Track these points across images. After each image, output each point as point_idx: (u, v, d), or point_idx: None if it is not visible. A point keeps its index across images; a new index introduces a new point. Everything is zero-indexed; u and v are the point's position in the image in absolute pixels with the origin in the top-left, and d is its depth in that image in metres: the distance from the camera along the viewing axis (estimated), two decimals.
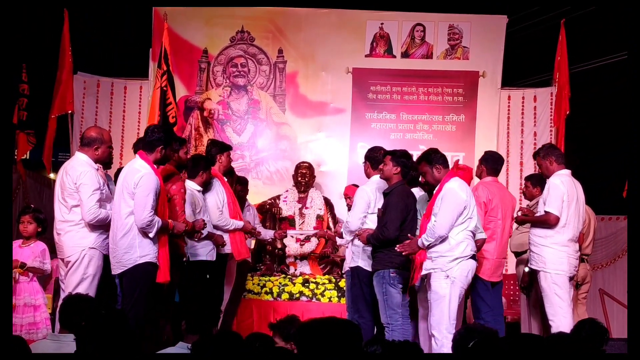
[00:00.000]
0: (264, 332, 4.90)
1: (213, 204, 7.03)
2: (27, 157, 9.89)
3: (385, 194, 6.41)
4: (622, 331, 9.60)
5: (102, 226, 5.90)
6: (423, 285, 6.12)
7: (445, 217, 5.85)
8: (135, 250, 5.71)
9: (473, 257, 5.93)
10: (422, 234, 5.96)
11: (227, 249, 7.10)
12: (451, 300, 5.83)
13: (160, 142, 5.92)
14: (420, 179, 6.55)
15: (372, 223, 6.59)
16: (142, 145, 6.00)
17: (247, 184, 8.16)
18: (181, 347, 4.43)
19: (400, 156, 6.39)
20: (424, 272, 5.97)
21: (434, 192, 6.05)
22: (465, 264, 5.87)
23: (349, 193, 8.16)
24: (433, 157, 6.12)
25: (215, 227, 7.00)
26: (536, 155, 6.75)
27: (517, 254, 7.46)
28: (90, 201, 5.79)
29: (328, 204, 9.13)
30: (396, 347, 3.68)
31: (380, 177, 6.45)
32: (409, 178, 6.47)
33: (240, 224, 7.21)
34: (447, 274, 5.84)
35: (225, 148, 7.39)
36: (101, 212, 5.83)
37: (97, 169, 5.97)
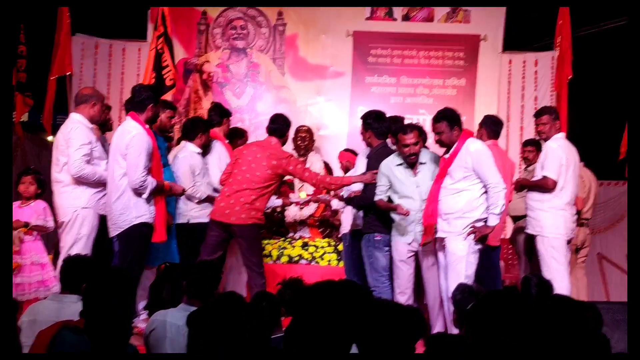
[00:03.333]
0: None
1: (215, 166, 7.02)
2: (26, 119, 9.82)
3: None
4: (620, 295, 9.68)
5: (96, 185, 5.88)
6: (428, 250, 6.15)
7: (494, 171, 5.81)
8: (130, 211, 5.72)
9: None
10: (432, 198, 5.93)
11: None
12: (469, 262, 5.81)
13: (150, 100, 5.89)
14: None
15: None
16: (132, 106, 5.96)
17: None
18: (183, 310, 4.44)
19: (367, 118, 6.38)
20: (440, 235, 5.95)
21: (450, 152, 5.96)
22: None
23: (342, 159, 8.18)
24: (456, 117, 5.98)
25: (217, 190, 7.01)
26: (544, 113, 6.66)
27: (515, 219, 7.47)
28: (76, 154, 5.76)
29: (327, 168, 9.10)
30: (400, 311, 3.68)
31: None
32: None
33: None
34: (466, 237, 5.81)
35: (225, 113, 7.40)
36: (86, 167, 5.78)
37: (92, 128, 5.95)
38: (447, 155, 5.95)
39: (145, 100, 5.85)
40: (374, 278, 6.36)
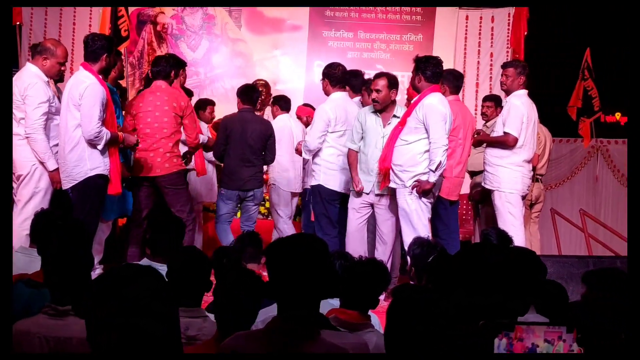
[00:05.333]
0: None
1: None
2: None
3: None
4: (571, 248, 9.92)
5: (54, 139, 5.76)
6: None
7: (439, 128, 5.87)
8: (85, 163, 5.61)
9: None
10: (388, 143, 5.96)
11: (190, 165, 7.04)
12: (419, 215, 5.92)
13: (103, 50, 5.73)
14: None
15: (332, 141, 6.60)
16: (85, 56, 5.80)
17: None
18: (147, 264, 4.40)
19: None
20: (391, 186, 6.05)
21: (413, 102, 6.07)
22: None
23: (301, 114, 8.17)
24: (421, 65, 6.09)
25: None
26: (510, 65, 6.64)
27: (472, 174, 7.54)
28: (35, 114, 5.62)
29: None
30: (361, 264, 3.70)
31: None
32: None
33: (205, 138, 7.10)
34: (410, 191, 5.92)
35: (181, 64, 7.26)
36: (40, 136, 5.64)
37: (47, 82, 5.79)
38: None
39: (98, 50, 5.69)
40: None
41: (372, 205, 6.39)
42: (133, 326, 1.71)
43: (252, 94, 7.31)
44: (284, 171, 7.67)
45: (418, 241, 4.80)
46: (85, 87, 5.56)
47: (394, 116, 6.23)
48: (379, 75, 6.33)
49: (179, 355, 1.82)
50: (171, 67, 6.51)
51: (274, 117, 8.00)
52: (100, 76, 5.74)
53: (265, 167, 7.49)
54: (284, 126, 7.70)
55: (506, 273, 2.06)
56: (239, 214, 7.91)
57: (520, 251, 4.12)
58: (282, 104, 7.98)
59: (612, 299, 3.53)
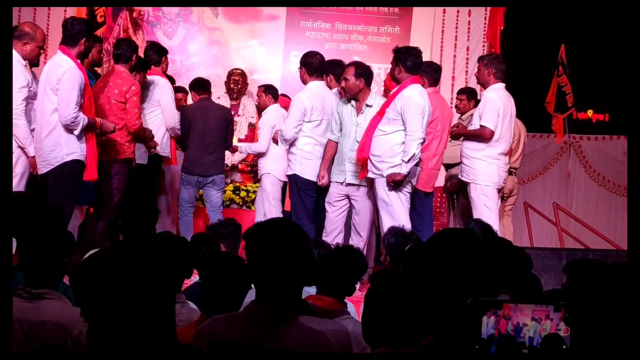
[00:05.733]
0: None
1: (169, 106, 6.93)
2: None
3: None
4: (543, 241, 10.03)
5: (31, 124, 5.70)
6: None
7: (416, 121, 5.88)
8: (61, 147, 5.56)
9: (417, 163, 6.01)
10: (367, 132, 5.98)
11: (165, 152, 7.00)
12: (399, 206, 5.93)
13: (82, 34, 5.67)
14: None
15: (308, 131, 6.59)
16: (63, 39, 5.74)
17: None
18: None
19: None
20: (369, 176, 6.06)
21: (392, 92, 6.08)
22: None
23: (282, 104, 8.11)
24: (401, 56, 6.08)
25: (172, 129, 7.03)
26: (481, 59, 6.74)
27: (447, 166, 7.57)
28: (16, 99, 5.55)
29: (259, 112, 9.02)
30: (340, 251, 3.71)
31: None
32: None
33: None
34: (387, 181, 5.94)
35: (163, 51, 7.23)
36: (22, 121, 5.58)
37: (25, 65, 5.73)
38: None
39: (77, 34, 5.63)
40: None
41: (348, 197, 6.39)
42: (117, 306, 1.72)
43: (206, 84, 7.58)
44: (279, 160, 7.61)
45: (393, 230, 4.81)
46: (64, 71, 5.50)
47: (367, 105, 6.23)
48: (348, 65, 6.36)
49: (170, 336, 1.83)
50: (132, 51, 6.46)
51: (265, 106, 7.93)
52: (79, 60, 5.69)
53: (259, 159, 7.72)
54: (279, 115, 7.67)
55: (487, 261, 2.06)
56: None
57: (505, 242, 4.14)
58: (274, 93, 7.97)
59: (594, 290, 3.55)
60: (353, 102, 6.30)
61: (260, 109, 8.29)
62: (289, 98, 7.84)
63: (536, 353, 1.72)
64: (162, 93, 6.97)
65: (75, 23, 5.72)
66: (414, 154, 5.90)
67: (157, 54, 7.13)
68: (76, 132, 5.54)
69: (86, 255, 1.95)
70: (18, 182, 5.66)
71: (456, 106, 7.96)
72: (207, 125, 7.20)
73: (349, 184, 6.31)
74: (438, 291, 2.02)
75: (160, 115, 7.00)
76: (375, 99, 6.31)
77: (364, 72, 6.24)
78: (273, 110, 7.77)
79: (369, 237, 6.76)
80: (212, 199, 7.38)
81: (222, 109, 7.66)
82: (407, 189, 6.06)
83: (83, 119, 5.55)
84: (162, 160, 7.13)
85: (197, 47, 9.94)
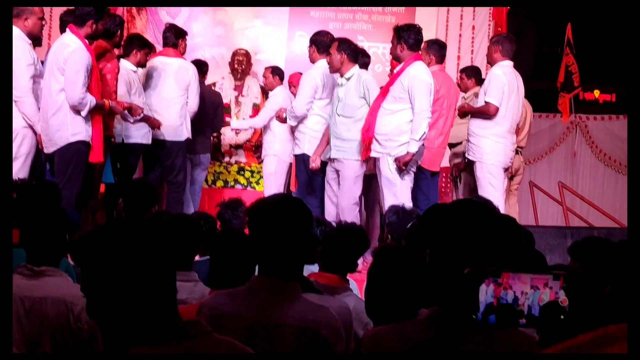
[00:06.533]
0: None
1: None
2: None
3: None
4: (548, 220, 10.01)
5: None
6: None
7: (425, 99, 5.84)
8: (67, 128, 5.55)
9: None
10: (371, 112, 5.94)
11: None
12: (402, 184, 5.90)
13: (90, 16, 5.64)
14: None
15: (318, 109, 6.56)
16: (73, 19, 5.72)
17: None
18: None
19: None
20: (373, 155, 6.01)
21: (396, 71, 6.02)
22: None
23: (294, 81, 8.05)
24: (403, 33, 6.02)
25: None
26: (492, 38, 6.71)
27: (451, 145, 7.53)
28: (24, 77, 5.54)
29: (264, 93, 8.98)
30: (345, 229, 3.70)
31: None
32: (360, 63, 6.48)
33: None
34: (394, 160, 5.89)
35: (181, 34, 7.17)
36: (30, 98, 5.55)
37: (30, 44, 5.71)
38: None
39: (85, 16, 5.61)
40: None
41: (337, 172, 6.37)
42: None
43: (202, 66, 7.70)
44: (286, 142, 7.59)
45: (393, 209, 4.80)
46: (70, 51, 5.48)
47: (345, 78, 6.24)
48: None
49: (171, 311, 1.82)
50: (117, 27, 6.38)
51: (272, 88, 7.93)
52: (87, 41, 5.65)
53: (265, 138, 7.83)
54: (286, 97, 7.68)
55: (492, 232, 2.03)
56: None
57: (507, 218, 4.11)
58: (282, 74, 7.97)
59: (599, 267, 3.49)
60: (339, 77, 6.29)
61: (266, 90, 8.27)
62: (300, 73, 7.74)
63: (535, 322, 1.70)
64: (193, 79, 6.95)
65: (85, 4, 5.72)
66: (424, 133, 5.85)
67: (175, 36, 7.06)
68: (83, 114, 5.53)
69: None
70: (23, 163, 5.66)
71: (457, 84, 7.92)
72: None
73: (333, 159, 6.29)
74: (440, 256, 1.99)
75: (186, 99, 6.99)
76: (353, 72, 6.25)
77: (346, 48, 6.23)
78: (280, 92, 7.77)
79: (373, 216, 6.75)
80: (197, 178, 7.54)
81: (212, 92, 7.89)
82: (412, 168, 6.03)
83: (90, 101, 5.53)
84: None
85: (201, 27, 9.87)
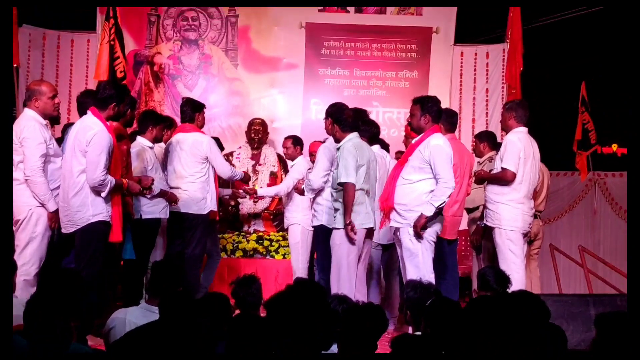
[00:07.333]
0: (218, 290, 4.85)
1: (218, 161, 7.09)
2: None
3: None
4: (571, 284, 9.88)
5: (52, 182, 5.75)
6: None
7: (448, 169, 5.84)
8: (88, 208, 5.60)
9: (440, 211, 5.93)
10: (390, 181, 5.96)
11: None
12: (424, 255, 5.85)
13: (112, 99, 5.76)
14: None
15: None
16: (94, 102, 5.83)
17: None
18: (144, 308, 4.38)
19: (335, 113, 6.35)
20: (392, 225, 5.99)
21: (415, 141, 6.02)
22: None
23: (314, 149, 8.07)
24: (427, 105, 5.99)
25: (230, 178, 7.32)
26: (504, 105, 6.74)
27: (469, 211, 7.52)
28: (34, 156, 5.61)
29: (281, 161, 9.05)
30: (360, 309, 3.68)
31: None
32: (369, 135, 6.53)
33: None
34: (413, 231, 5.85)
35: (198, 107, 7.23)
36: (39, 172, 5.62)
37: (46, 125, 5.81)
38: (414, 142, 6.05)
39: (107, 99, 5.72)
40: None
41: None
42: None
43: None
44: (307, 210, 7.61)
45: (411, 284, 4.77)
46: (93, 133, 5.56)
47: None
48: None
49: None
50: (127, 107, 6.24)
51: (293, 158, 8.02)
52: (108, 123, 5.75)
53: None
54: (308, 166, 7.78)
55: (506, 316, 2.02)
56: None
57: (522, 297, 4.05)
58: (302, 144, 8.07)
59: (624, 345, 3.40)
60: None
61: (284, 159, 8.36)
62: (320, 142, 7.73)
63: None
64: (208, 150, 7.01)
65: (107, 88, 5.83)
66: (444, 202, 5.82)
67: (192, 110, 7.13)
68: (103, 195, 5.60)
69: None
70: (40, 243, 5.70)
71: (473, 150, 7.94)
72: None
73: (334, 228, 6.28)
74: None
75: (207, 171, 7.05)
76: (346, 140, 6.26)
77: (333, 113, 6.33)
78: (302, 161, 7.86)
79: (393, 285, 6.70)
80: None
81: None
82: (432, 237, 5.95)
83: (110, 182, 5.60)
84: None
85: (218, 98, 10.04)
